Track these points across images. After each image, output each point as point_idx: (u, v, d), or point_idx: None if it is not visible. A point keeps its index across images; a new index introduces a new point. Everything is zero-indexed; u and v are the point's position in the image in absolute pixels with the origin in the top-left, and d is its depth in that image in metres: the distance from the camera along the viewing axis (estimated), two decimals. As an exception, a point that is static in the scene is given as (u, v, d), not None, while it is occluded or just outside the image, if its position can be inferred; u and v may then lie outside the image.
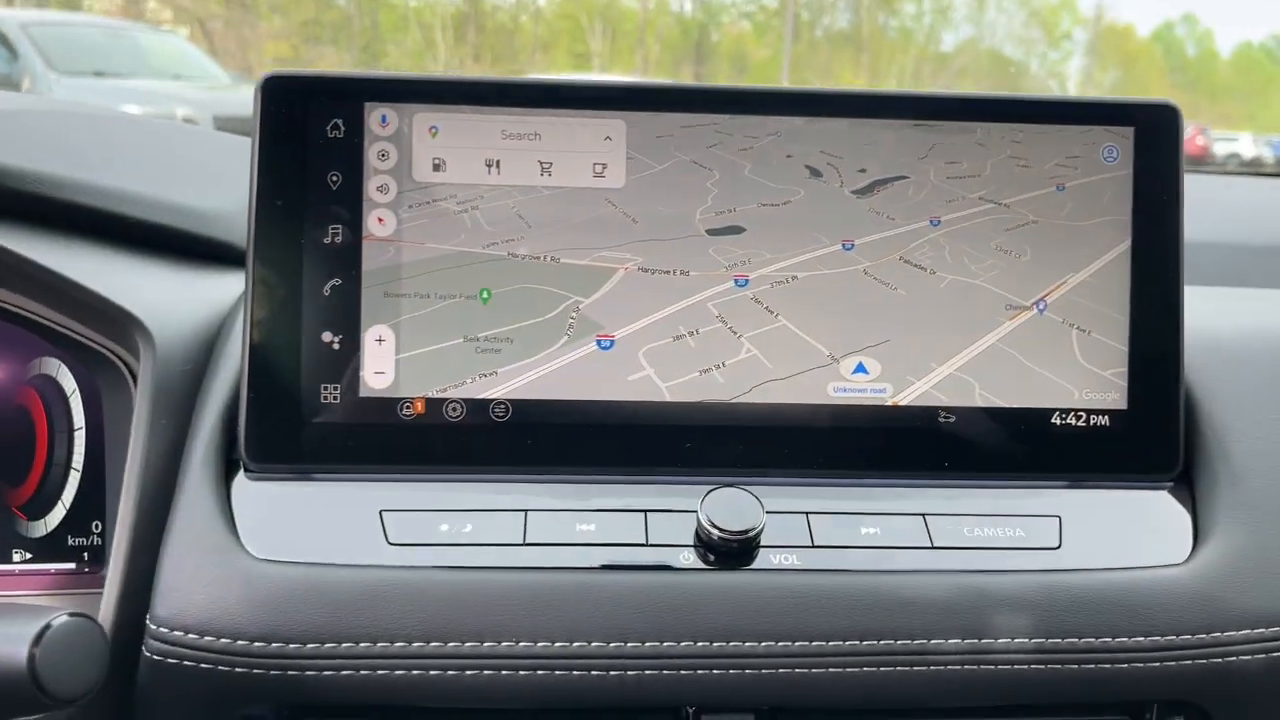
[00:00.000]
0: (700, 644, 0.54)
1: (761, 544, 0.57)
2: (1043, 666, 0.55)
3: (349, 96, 0.58)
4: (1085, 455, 0.61)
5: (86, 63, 6.02)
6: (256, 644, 0.52)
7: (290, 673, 0.52)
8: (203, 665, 0.52)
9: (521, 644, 0.53)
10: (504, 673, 0.53)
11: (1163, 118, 0.62)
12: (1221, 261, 0.83)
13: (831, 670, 0.54)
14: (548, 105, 0.59)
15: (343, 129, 0.58)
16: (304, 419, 0.58)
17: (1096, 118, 0.62)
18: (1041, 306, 0.62)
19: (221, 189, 0.71)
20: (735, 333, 0.60)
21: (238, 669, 0.52)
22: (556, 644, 0.53)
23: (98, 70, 6.00)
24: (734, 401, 0.60)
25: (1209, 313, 0.69)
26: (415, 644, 0.53)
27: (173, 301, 0.63)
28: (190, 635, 0.52)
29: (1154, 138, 0.62)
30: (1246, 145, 12.21)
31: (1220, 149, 11.64)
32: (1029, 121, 0.62)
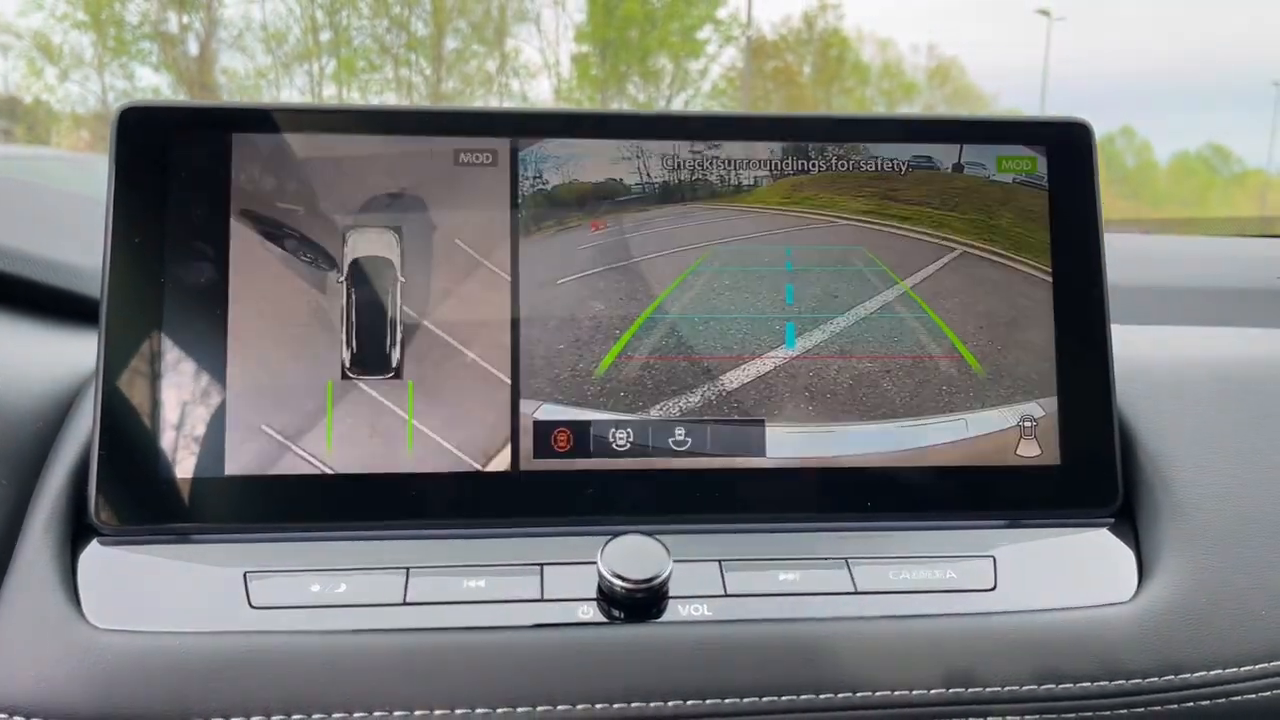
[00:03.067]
0: (600, 706, 0.48)
1: (670, 594, 0.51)
2: (980, 718, 0.49)
3: (213, 127, 0.55)
4: (1018, 491, 0.57)
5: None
6: None
7: None
8: None
9: (397, 713, 0.47)
10: None
11: (1075, 136, 0.60)
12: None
13: None
14: (425, 132, 0.56)
15: (207, 161, 0.55)
16: (162, 474, 0.53)
17: (1007, 138, 0.60)
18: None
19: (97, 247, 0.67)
20: (637, 369, 0.56)
21: None
22: (437, 712, 0.47)
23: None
24: (639, 443, 0.55)
25: (1141, 344, 0.66)
26: (276, 717, 0.47)
27: (27, 357, 0.58)
28: (16, 718, 0.46)
29: (1067, 157, 0.60)
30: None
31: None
32: (938, 142, 0.59)
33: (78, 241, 0.68)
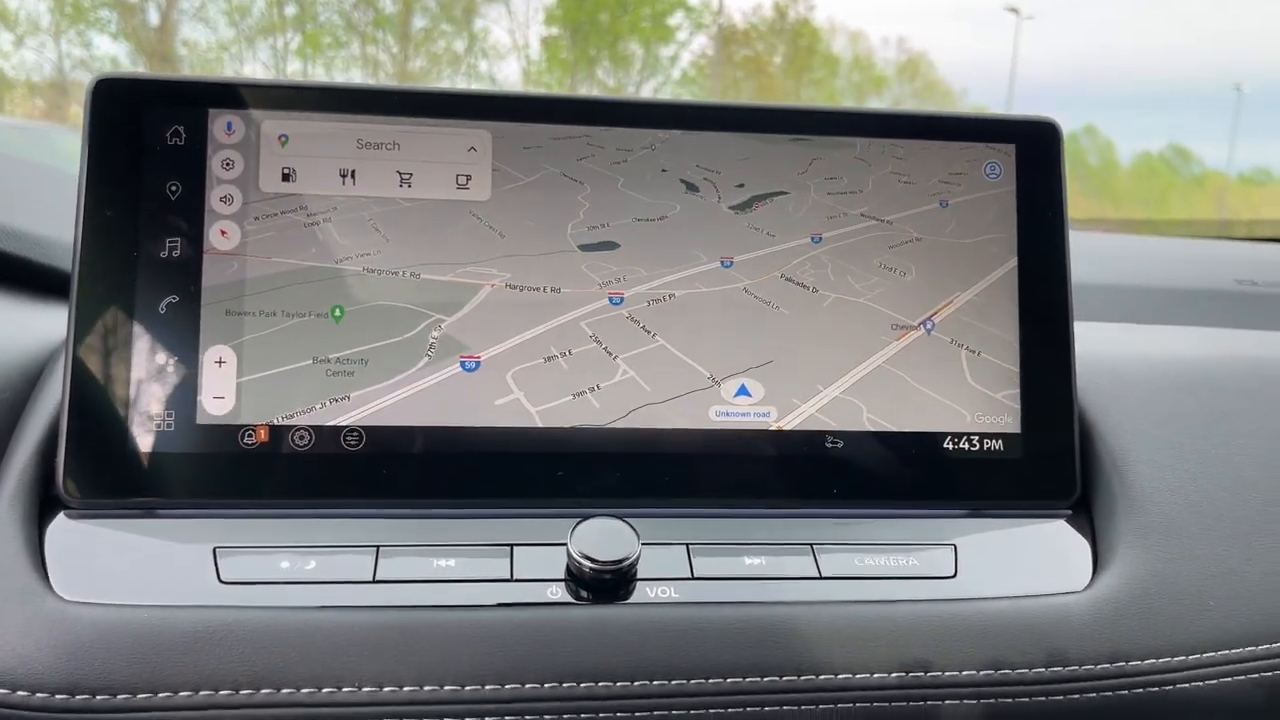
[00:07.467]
0: (567, 685, 0.49)
1: (638, 576, 0.52)
2: (939, 701, 0.51)
3: (191, 101, 0.55)
4: (979, 481, 0.58)
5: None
6: (59, 696, 0.46)
7: None
8: None
9: (365, 689, 0.47)
10: None
11: (1044, 134, 0.61)
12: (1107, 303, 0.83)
13: (712, 711, 0.49)
14: (407, 113, 0.56)
15: (183, 136, 0.54)
16: (132, 448, 0.53)
17: (978, 134, 0.61)
18: (929, 326, 0.59)
19: (67, 220, 0.67)
20: (610, 353, 0.57)
21: None
22: (405, 688, 0.48)
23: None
24: (610, 427, 0.56)
25: (1103, 341, 0.68)
26: (244, 692, 0.47)
27: (-4, 327, 0.57)
28: None
29: (1036, 155, 0.61)
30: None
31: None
32: (910, 137, 0.60)
33: (41, 211, 0.68)
